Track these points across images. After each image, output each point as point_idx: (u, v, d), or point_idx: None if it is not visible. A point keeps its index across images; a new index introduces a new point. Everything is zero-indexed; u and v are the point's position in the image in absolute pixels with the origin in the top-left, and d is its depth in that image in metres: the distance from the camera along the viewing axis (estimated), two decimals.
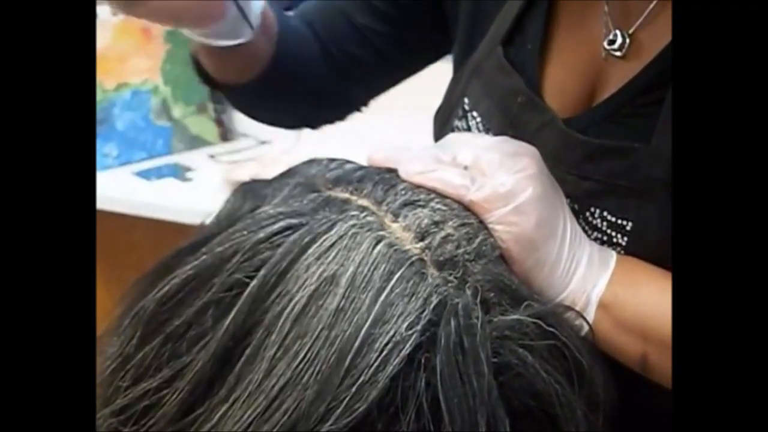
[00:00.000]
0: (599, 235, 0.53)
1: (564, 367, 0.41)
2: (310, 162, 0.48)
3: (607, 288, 0.48)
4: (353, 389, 0.35)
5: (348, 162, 0.48)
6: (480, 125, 0.61)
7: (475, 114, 0.61)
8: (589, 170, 0.52)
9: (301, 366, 0.36)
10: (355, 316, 0.36)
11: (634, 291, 0.48)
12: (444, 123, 0.64)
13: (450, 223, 0.42)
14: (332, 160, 0.48)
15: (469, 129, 0.62)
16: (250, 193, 0.45)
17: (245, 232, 0.40)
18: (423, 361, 0.37)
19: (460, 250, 0.41)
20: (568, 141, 0.53)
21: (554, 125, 0.55)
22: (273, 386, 0.36)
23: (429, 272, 0.39)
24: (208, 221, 0.45)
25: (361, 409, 0.35)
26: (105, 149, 1.69)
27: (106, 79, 1.66)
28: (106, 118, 1.68)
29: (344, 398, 0.35)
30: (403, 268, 0.38)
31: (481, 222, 0.45)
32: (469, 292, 0.39)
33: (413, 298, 0.37)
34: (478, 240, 0.43)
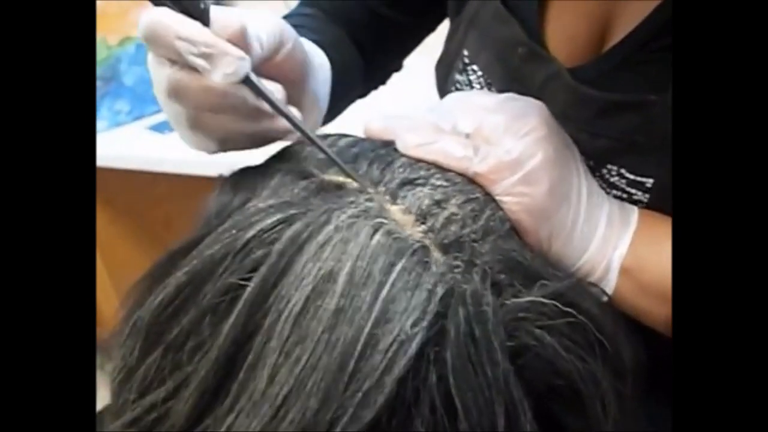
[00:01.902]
0: (618, 193, 0.50)
1: (586, 340, 0.39)
2: (302, 142, 0.46)
3: (629, 250, 0.45)
4: (359, 395, 0.33)
5: (342, 137, 0.45)
6: (481, 80, 0.57)
7: (475, 68, 0.57)
8: (603, 127, 0.48)
9: (303, 372, 0.34)
10: (356, 316, 0.34)
11: (658, 250, 0.45)
12: (445, 76, 0.60)
13: (453, 200, 0.40)
14: (325, 136, 0.45)
15: (470, 84, 0.58)
16: (240, 184, 0.43)
17: (234, 231, 0.38)
18: (432, 355, 0.35)
19: (466, 230, 0.39)
20: (577, 96, 0.49)
21: (560, 79, 0.50)
22: (277, 394, 0.34)
23: (433, 259, 0.37)
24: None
25: (368, 416, 0.33)
26: (116, 106, 1.67)
27: (109, 35, 1.62)
28: (113, 74, 1.65)
29: (350, 405, 0.33)
30: (404, 259, 0.36)
31: (488, 194, 0.42)
32: (477, 276, 0.37)
33: (417, 291, 0.35)
34: (485, 216, 0.40)
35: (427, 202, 0.39)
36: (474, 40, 0.57)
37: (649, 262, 0.45)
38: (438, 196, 0.40)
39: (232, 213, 0.40)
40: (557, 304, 0.37)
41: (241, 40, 0.40)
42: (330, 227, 0.36)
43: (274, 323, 0.35)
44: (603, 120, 0.49)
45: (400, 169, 0.41)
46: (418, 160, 0.42)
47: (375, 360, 0.33)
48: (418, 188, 0.40)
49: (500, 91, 0.55)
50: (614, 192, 0.49)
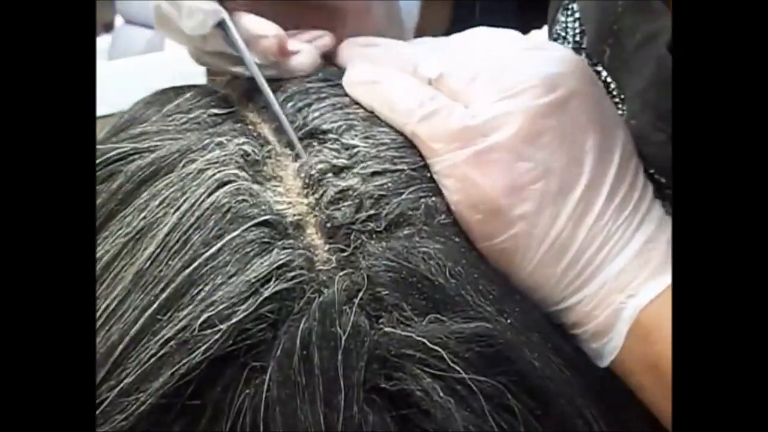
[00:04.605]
0: None
1: (507, 410, 0.26)
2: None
3: (657, 300, 0.29)
4: (113, 393, 0.24)
5: None
6: (576, 26, 0.43)
7: (575, 8, 0.43)
8: None
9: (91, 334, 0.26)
10: (151, 289, 0.25)
11: None
12: (554, 12, 0.45)
13: (358, 169, 0.29)
14: None
15: (565, 29, 0.44)
16: (156, 99, 0.35)
17: (99, 152, 0.31)
18: (249, 370, 0.25)
19: (361, 214, 0.28)
20: (662, 73, 0.33)
21: (656, 42, 0.34)
22: None
23: (287, 243, 0.26)
24: None
25: (122, 424, 0.24)
26: None
27: None
28: None
29: (109, 397, 0.25)
30: (238, 231, 0.26)
31: (426, 167, 0.30)
32: (342, 283, 0.26)
33: (236, 277, 0.25)
34: (400, 198, 0.28)
35: (321, 166, 0.29)
36: None
37: None
38: (340, 161, 0.29)
39: (122, 130, 0.33)
40: (446, 351, 0.25)
41: None
42: (176, 172, 0.28)
43: None
44: None
45: (316, 113, 0.31)
46: (355, 103, 0.32)
47: (142, 356, 0.24)
48: (325, 144, 0.29)
49: (591, 48, 0.41)
50: None
